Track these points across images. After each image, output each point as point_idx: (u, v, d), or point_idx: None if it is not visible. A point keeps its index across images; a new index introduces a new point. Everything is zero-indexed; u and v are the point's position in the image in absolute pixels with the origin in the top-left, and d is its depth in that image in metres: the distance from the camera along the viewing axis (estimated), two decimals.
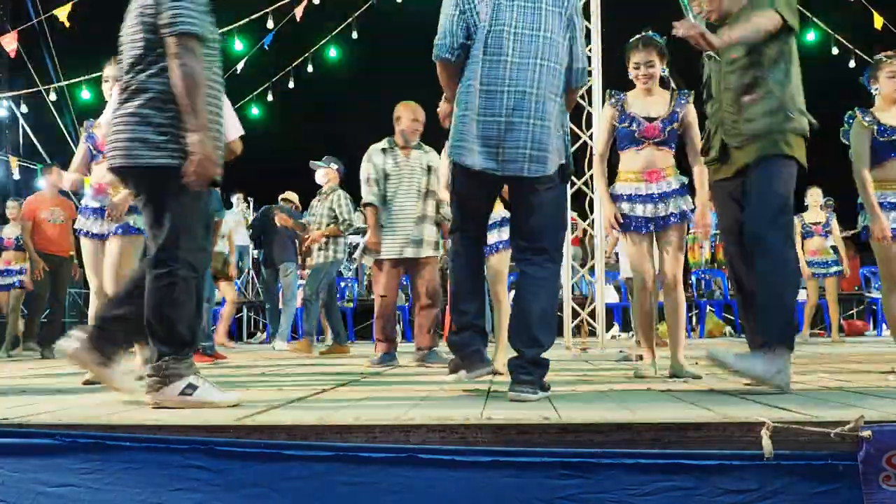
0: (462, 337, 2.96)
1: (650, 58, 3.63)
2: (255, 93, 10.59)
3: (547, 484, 1.96)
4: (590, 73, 2.96)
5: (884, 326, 10.06)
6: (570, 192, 7.36)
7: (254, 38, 9.85)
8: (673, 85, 3.81)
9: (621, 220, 3.63)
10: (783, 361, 2.79)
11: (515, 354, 2.80)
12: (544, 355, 2.81)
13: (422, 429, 2.06)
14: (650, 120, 3.61)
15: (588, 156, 7.29)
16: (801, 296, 7.72)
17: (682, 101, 3.64)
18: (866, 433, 1.87)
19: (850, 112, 3.95)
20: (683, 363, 3.59)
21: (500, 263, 4.06)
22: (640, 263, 3.66)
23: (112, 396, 2.83)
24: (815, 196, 8.09)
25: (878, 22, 9.87)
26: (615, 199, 3.68)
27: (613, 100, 3.73)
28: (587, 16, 7.20)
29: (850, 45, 10.06)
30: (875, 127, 3.83)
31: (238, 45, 9.75)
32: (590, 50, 7.12)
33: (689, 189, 3.67)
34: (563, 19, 2.89)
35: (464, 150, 2.83)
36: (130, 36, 2.68)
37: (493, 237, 3.99)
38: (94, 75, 9.42)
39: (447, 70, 2.94)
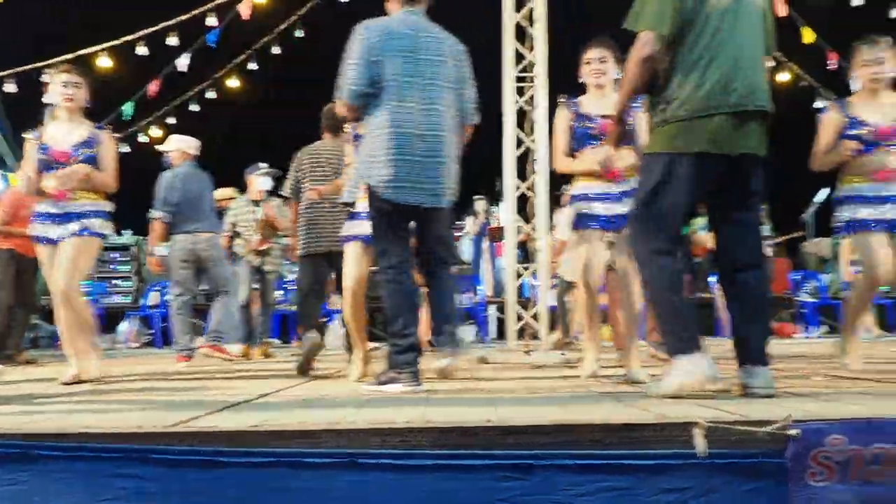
0: (407, 356, 3.22)
1: (603, 54, 3.66)
2: (197, 89, 10.39)
3: (489, 486, 1.97)
4: (479, 111, 3.48)
5: (812, 328, 10.43)
6: (514, 196, 7.45)
7: (196, 35, 9.67)
8: None
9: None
10: (673, 369, 2.73)
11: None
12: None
13: (363, 433, 2.06)
14: (606, 117, 3.50)
15: (531, 161, 7.38)
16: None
17: (634, 107, 3.44)
18: (794, 432, 1.93)
19: (826, 104, 3.94)
20: (637, 366, 3.54)
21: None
22: (593, 264, 3.64)
23: (39, 405, 2.75)
24: None
25: (808, 37, 10.22)
26: (576, 198, 3.70)
27: (567, 104, 3.75)
28: (531, 23, 7.30)
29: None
30: (846, 120, 3.79)
31: (175, 41, 9.56)
32: (534, 57, 7.22)
33: None
34: (458, 70, 3.40)
35: (391, 188, 3.24)
36: None
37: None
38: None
39: (351, 112, 3.38)
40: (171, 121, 10.58)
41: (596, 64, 3.67)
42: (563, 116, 3.75)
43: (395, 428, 2.07)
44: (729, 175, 2.75)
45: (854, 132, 3.75)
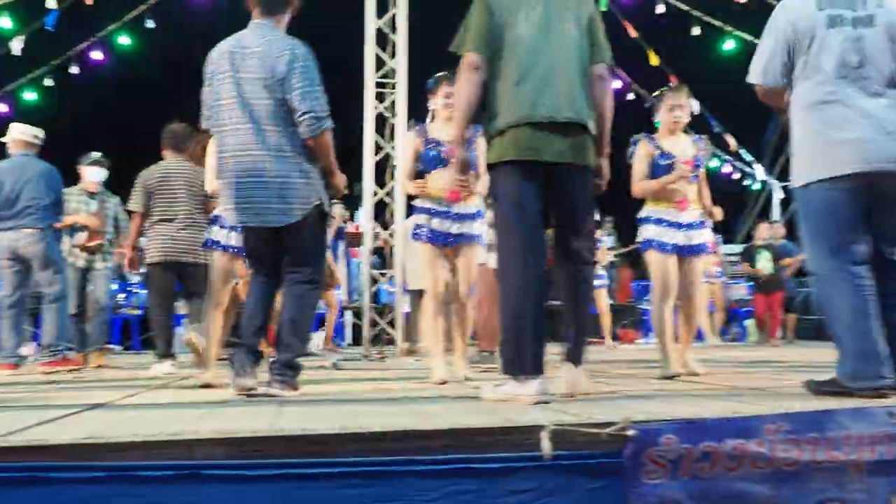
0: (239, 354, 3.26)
1: (451, 90, 3.79)
2: (32, 76, 9.63)
3: (339, 494, 1.94)
4: (324, 119, 3.22)
5: (652, 335, 11.09)
6: (372, 202, 7.44)
7: (31, 16, 8.96)
8: None
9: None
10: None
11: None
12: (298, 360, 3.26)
13: (207, 443, 1.97)
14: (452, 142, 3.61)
15: (391, 166, 7.40)
16: None
17: (476, 133, 3.61)
18: (631, 432, 2.04)
19: (635, 136, 4.28)
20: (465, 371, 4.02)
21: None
22: (433, 274, 3.98)
23: None
24: None
25: (654, 59, 10.92)
26: (417, 210, 4.03)
27: (417, 129, 4.09)
28: (393, 29, 7.32)
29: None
30: (657, 152, 4.18)
31: (7, 23, 8.83)
32: (395, 63, 7.25)
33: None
34: (278, 82, 3.19)
35: (230, 210, 3.33)
36: None
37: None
38: None
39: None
40: (2, 108, 9.73)
41: (451, 99, 3.79)
42: (413, 143, 4.09)
43: (241, 437, 2.00)
44: (549, 183, 2.89)
45: (665, 162, 4.16)
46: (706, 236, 4.30)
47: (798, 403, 2.55)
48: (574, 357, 2.96)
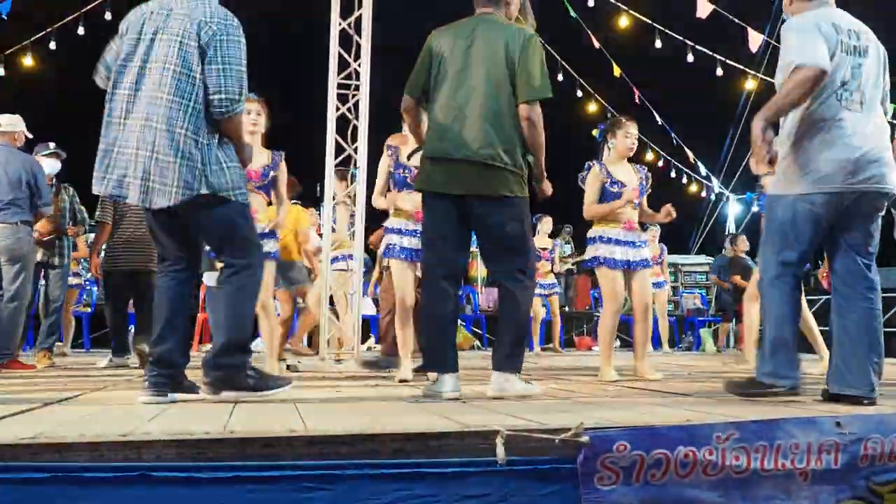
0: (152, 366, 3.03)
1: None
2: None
3: (291, 497, 1.92)
4: (237, 102, 2.98)
5: None
6: (332, 204, 7.38)
7: None
8: None
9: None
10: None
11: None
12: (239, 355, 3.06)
13: (157, 444, 1.92)
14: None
15: (351, 170, 7.35)
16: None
17: None
18: (585, 438, 2.05)
19: (588, 162, 4.63)
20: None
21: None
22: (403, 286, 4.31)
23: None
24: (545, 224, 9.14)
25: (617, 71, 11.07)
26: (388, 230, 4.41)
27: (390, 151, 4.40)
28: (358, 31, 7.30)
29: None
30: (607, 178, 4.53)
31: None
32: (359, 65, 7.22)
33: None
34: (195, 50, 2.93)
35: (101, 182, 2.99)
36: None
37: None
38: None
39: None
40: None
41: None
42: (384, 164, 4.45)
43: (192, 439, 1.96)
44: (466, 212, 3.26)
45: (614, 189, 4.54)
46: (649, 252, 4.75)
47: (748, 412, 2.60)
48: (498, 364, 3.26)
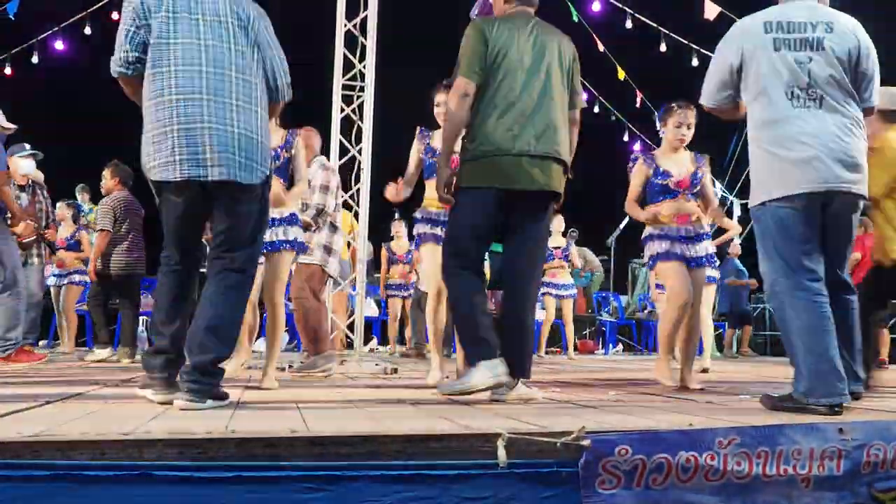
0: (156, 360, 2.89)
1: (442, 98, 4.06)
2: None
3: (292, 498, 1.92)
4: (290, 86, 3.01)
5: (610, 346, 11.20)
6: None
7: None
8: None
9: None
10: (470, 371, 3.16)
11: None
12: (222, 364, 2.84)
13: (158, 444, 1.92)
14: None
15: (356, 169, 7.36)
16: (540, 315, 8.34)
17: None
18: (586, 442, 2.05)
19: (634, 154, 4.43)
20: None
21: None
22: (434, 276, 4.07)
23: None
24: (557, 224, 8.78)
25: (622, 74, 11.07)
26: (418, 221, 4.28)
27: (420, 135, 4.29)
28: (364, 33, 7.31)
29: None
30: (652, 170, 4.25)
31: None
32: (364, 67, 7.23)
33: None
34: (248, 35, 2.88)
35: (167, 165, 2.75)
36: None
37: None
38: None
39: (129, 84, 2.88)
40: None
41: (439, 107, 4.20)
42: (416, 148, 4.31)
43: (194, 439, 1.96)
44: (513, 206, 3.23)
45: (660, 181, 4.23)
46: (709, 248, 4.42)
47: (750, 418, 2.59)
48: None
